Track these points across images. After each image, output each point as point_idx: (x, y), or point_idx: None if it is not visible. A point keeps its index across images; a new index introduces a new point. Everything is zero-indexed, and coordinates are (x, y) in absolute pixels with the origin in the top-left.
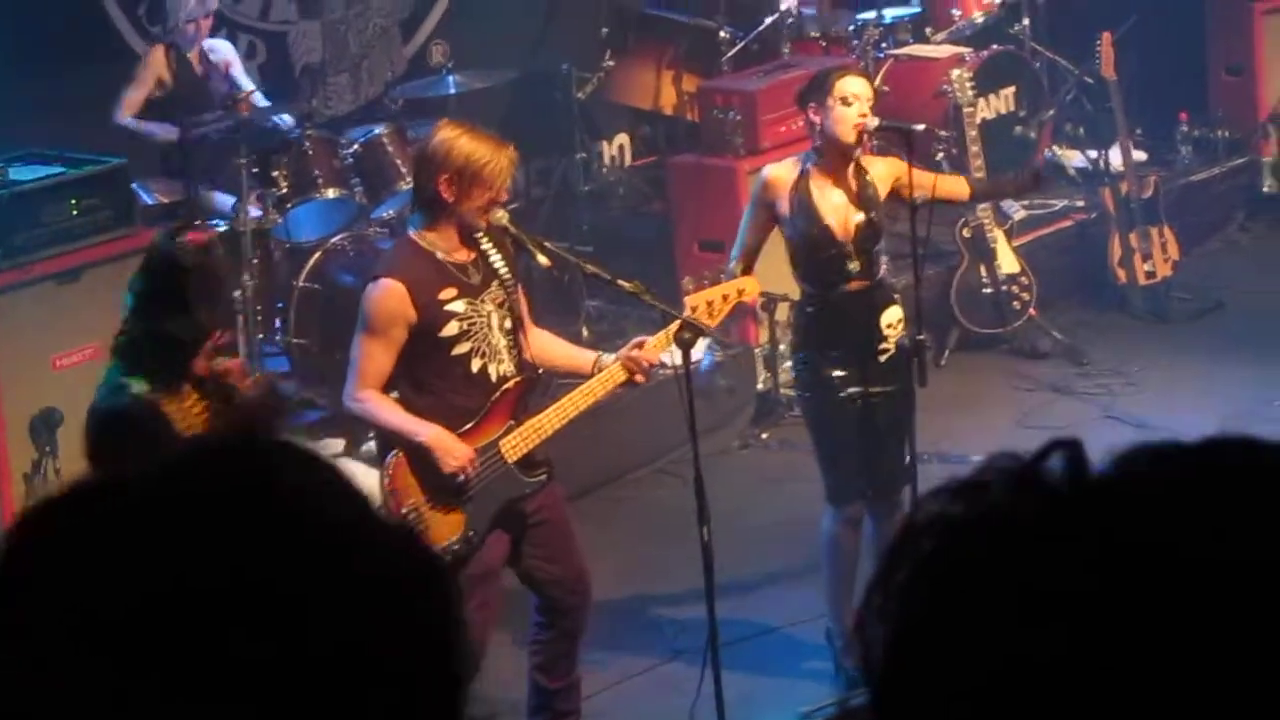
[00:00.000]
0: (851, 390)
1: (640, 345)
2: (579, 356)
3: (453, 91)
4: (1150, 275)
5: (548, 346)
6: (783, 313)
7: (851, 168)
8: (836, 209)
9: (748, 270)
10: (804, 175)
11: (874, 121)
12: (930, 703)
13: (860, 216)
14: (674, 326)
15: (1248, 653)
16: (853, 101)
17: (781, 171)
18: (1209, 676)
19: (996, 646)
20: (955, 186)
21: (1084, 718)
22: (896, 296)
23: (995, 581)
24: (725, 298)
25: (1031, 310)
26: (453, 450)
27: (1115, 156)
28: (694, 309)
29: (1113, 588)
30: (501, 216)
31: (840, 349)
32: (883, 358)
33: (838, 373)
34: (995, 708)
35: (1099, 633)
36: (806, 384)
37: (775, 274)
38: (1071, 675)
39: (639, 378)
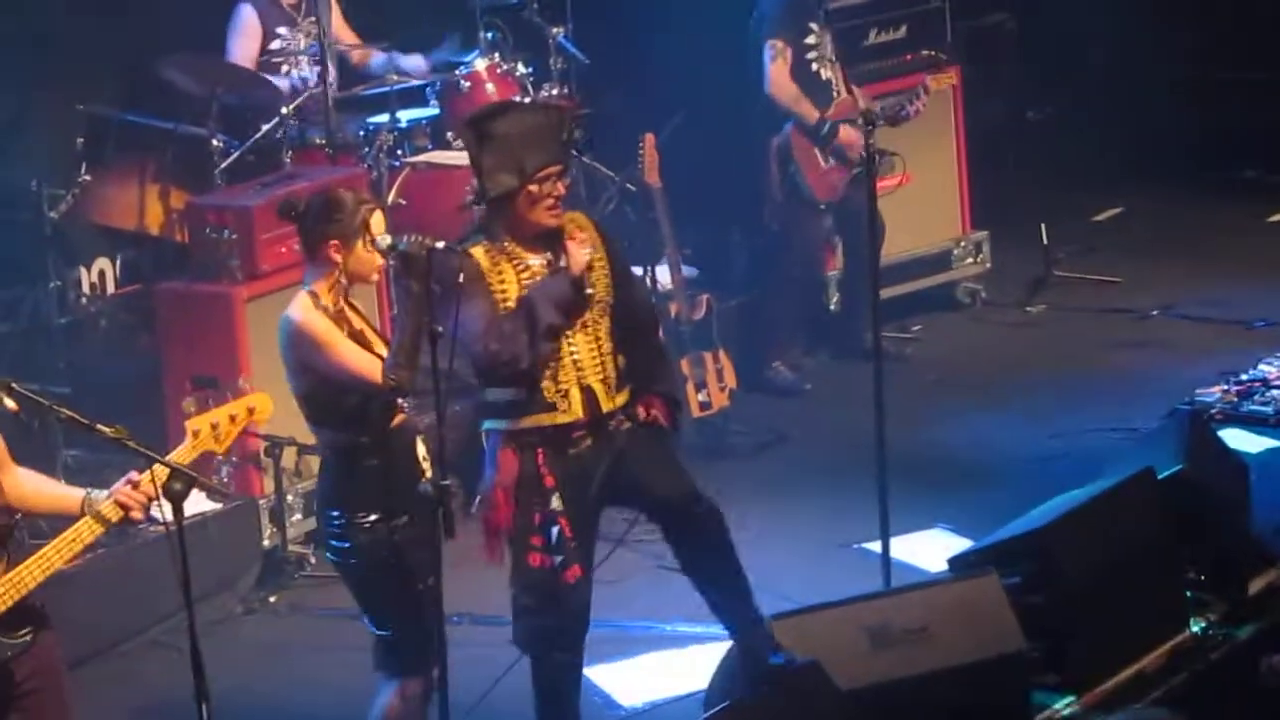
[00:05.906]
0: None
1: (134, 480)
2: (67, 496)
3: None
4: (705, 407)
5: (30, 486)
6: (289, 459)
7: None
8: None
9: None
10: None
11: (385, 240)
12: None
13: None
14: (163, 476)
15: None
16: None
17: (317, 317)
18: None
19: None
20: None
21: None
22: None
23: None
24: (233, 418)
25: None
26: None
27: (663, 274)
28: (196, 433)
29: None
30: None
31: (383, 501)
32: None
33: (381, 530)
34: None
35: None
36: (352, 546)
37: (281, 414)
38: None
39: (136, 514)
